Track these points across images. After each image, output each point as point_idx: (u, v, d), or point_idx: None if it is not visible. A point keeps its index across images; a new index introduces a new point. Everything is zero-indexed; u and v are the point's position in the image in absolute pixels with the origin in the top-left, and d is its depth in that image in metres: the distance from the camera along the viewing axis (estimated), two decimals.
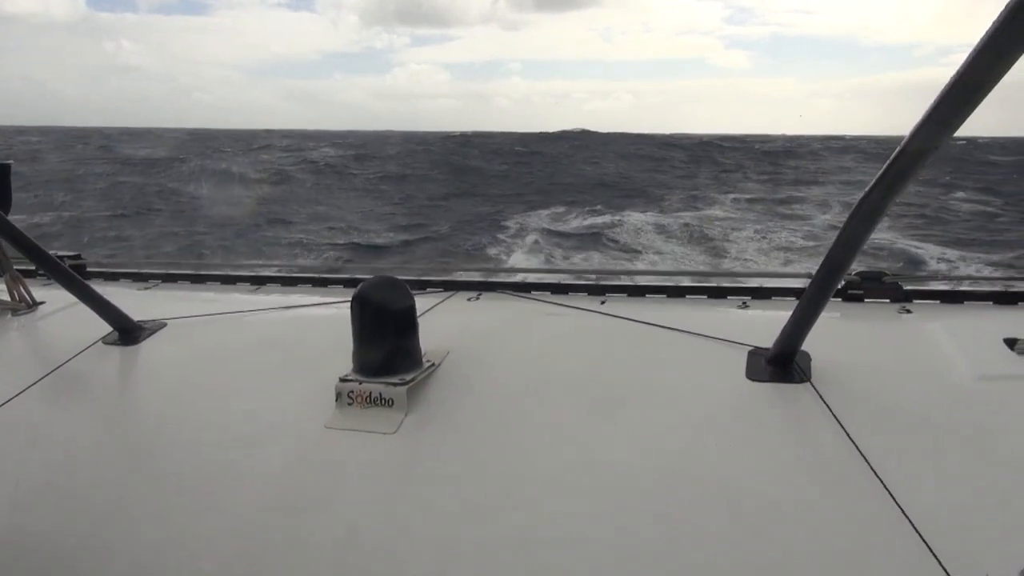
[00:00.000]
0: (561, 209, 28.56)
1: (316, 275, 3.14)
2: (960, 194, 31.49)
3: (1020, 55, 1.02)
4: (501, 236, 23.06)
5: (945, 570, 1.38)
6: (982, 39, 1.02)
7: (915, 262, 17.50)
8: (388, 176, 41.03)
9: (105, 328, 2.43)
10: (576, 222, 26.06)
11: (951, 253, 19.20)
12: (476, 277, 2.92)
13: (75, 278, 2.33)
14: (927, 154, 1.27)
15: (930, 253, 19.03)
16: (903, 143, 1.27)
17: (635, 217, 26.42)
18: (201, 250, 20.98)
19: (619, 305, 2.51)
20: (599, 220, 26.16)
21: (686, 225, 24.15)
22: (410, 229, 24.73)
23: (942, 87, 1.12)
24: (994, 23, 0.98)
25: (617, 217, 26.36)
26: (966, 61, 1.07)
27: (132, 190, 32.98)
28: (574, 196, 32.35)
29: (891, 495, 1.53)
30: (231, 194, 31.97)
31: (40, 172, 37.72)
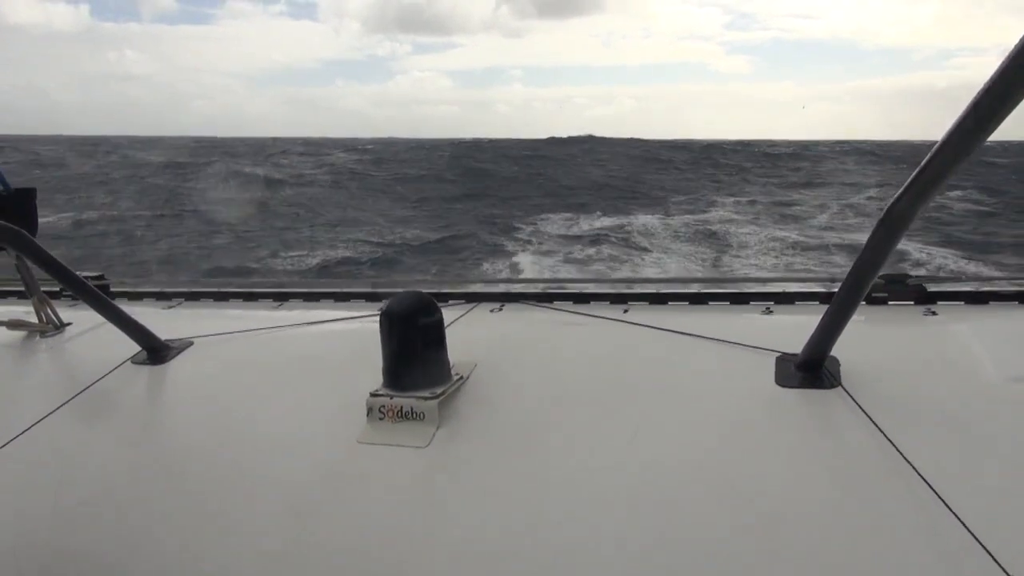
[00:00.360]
0: (569, 214, 29.22)
1: (338, 290, 3.16)
2: (957, 193, 31.41)
3: None
4: (519, 236, 24.11)
5: (1000, 566, 1.36)
6: (1020, 41, 0.99)
7: (912, 262, 17.40)
8: (406, 178, 42.40)
9: (133, 348, 2.45)
10: (587, 224, 26.85)
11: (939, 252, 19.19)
12: (498, 288, 2.92)
13: (102, 298, 2.35)
14: (959, 160, 1.24)
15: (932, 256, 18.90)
16: (935, 148, 1.25)
17: (643, 219, 27.46)
18: (251, 245, 22.07)
19: (642, 313, 2.50)
20: (609, 222, 27.13)
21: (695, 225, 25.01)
22: (438, 229, 25.86)
23: (975, 90, 1.09)
24: None
25: (626, 219, 27.36)
26: (1002, 64, 1.04)
27: (165, 192, 34.02)
28: (584, 199, 33.24)
29: (936, 493, 1.51)
30: (262, 196, 32.97)
31: (72, 176, 38.73)
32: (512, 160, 54.06)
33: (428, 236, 24.60)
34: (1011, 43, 1.00)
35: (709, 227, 25.71)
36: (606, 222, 27.20)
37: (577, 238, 24.17)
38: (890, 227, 1.46)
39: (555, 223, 27.12)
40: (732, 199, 34.23)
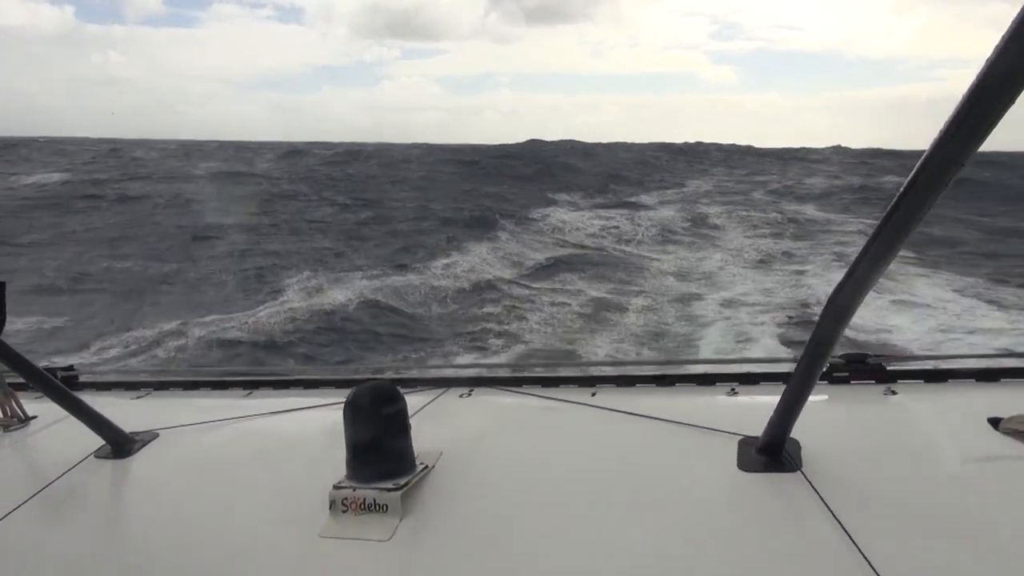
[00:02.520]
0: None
1: (307, 377, 3.16)
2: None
3: None
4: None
5: None
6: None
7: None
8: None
9: (98, 441, 2.43)
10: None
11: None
12: (468, 373, 2.95)
13: (66, 392, 2.34)
14: (894, 247, 1.26)
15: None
16: (870, 237, 1.26)
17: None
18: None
19: (609, 396, 2.53)
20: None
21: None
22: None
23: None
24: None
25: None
26: (920, 162, 1.06)
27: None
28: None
29: None
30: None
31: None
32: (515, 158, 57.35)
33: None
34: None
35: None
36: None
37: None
38: (835, 315, 1.51)
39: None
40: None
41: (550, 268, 20.76)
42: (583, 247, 24.92)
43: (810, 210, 34.24)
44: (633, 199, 38.51)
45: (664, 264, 21.89)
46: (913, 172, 1.11)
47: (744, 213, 32.84)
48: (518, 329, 14.73)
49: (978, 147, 1.02)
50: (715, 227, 29.47)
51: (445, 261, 21.30)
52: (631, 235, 27.43)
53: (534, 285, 18.68)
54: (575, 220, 30.85)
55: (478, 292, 17.82)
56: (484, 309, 16.22)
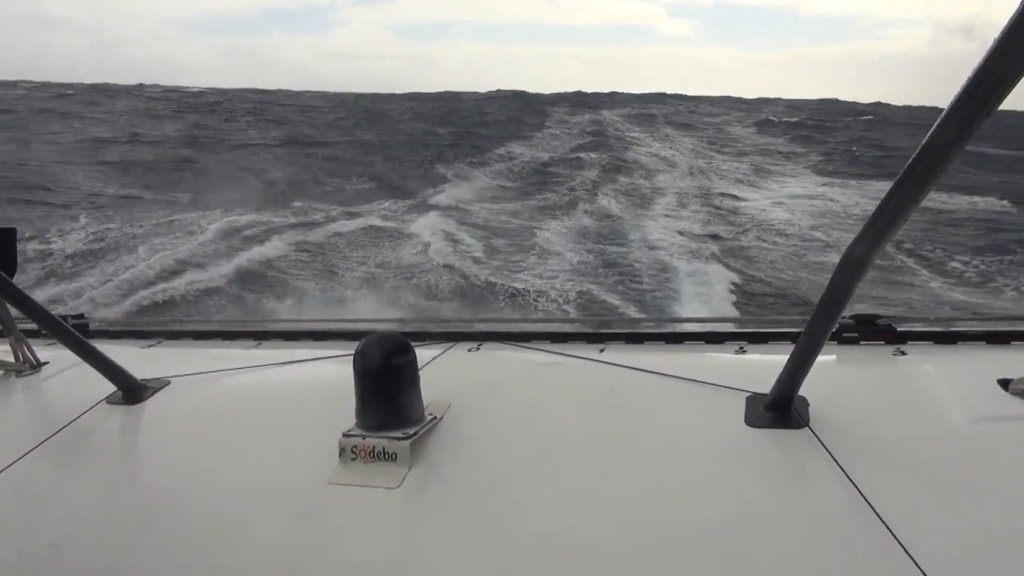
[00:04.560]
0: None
1: (316, 328, 3.17)
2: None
3: None
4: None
5: None
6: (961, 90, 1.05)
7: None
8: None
9: (109, 388, 2.45)
10: None
11: None
12: (478, 327, 2.95)
13: (78, 338, 2.36)
14: (915, 201, 1.28)
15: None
16: (890, 190, 1.28)
17: None
18: None
19: (618, 353, 2.54)
20: None
21: None
22: None
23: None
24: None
25: None
26: (949, 106, 1.08)
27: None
28: None
29: (896, 538, 1.54)
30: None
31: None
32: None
33: None
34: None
35: None
36: None
37: None
38: (849, 270, 1.51)
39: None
40: None
41: None
42: None
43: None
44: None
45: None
46: (932, 129, 1.13)
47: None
48: None
49: (997, 106, 1.04)
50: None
51: None
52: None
53: None
54: None
55: None
56: None
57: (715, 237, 19.40)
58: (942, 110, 1.09)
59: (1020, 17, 0.92)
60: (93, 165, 29.99)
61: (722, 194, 25.78)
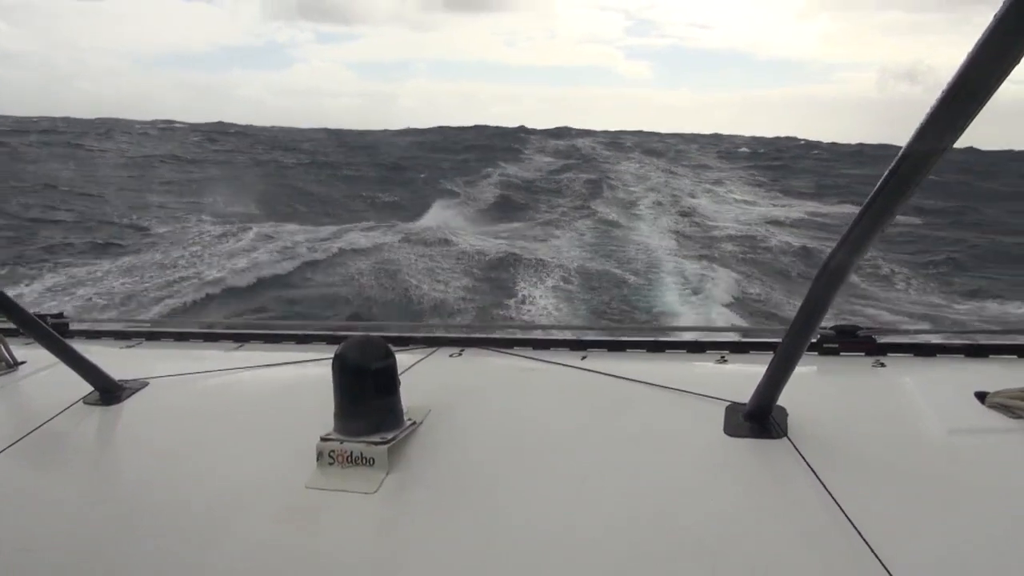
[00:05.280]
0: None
1: (298, 332, 3.15)
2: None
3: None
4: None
5: None
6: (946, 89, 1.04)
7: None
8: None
9: (86, 388, 2.43)
10: None
11: None
12: (459, 333, 2.95)
13: (55, 338, 2.33)
14: (892, 211, 1.28)
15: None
16: (867, 200, 1.29)
17: None
18: None
19: (599, 360, 2.54)
20: None
21: None
22: None
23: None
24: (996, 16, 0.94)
25: None
26: (930, 110, 1.08)
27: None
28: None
29: (871, 549, 1.54)
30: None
31: None
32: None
33: None
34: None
35: None
36: None
37: None
38: (828, 280, 1.51)
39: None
40: None
41: None
42: None
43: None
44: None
45: None
46: (910, 139, 1.14)
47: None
48: None
49: (974, 116, 1.06)
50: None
51: None
52: None
53: None
54: None
55: None
56: None
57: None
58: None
59: (996, 26, 0.93)
60: None
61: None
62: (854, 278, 16.63)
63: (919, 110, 1.08)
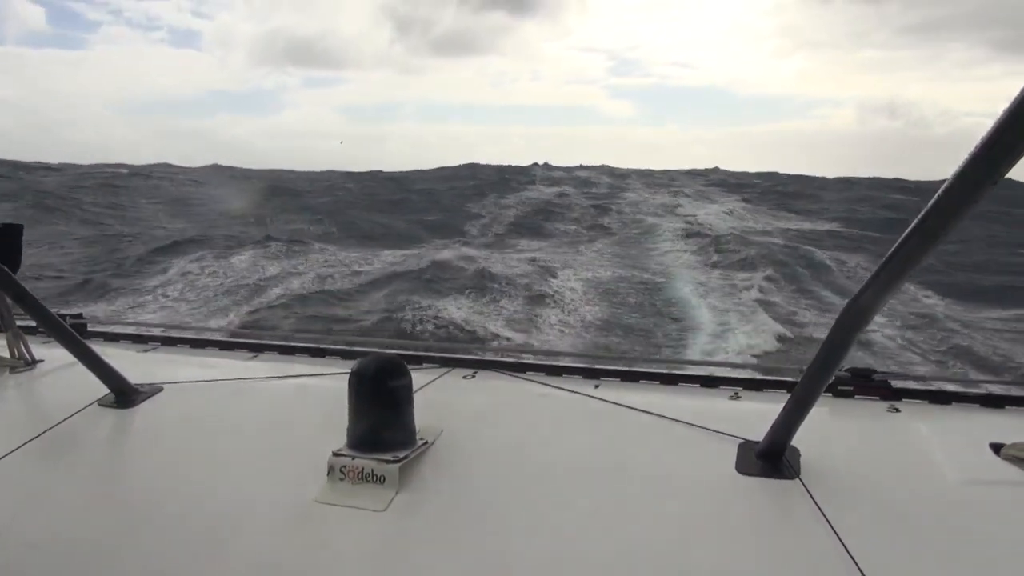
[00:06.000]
0: None
1: (314, 345, 3.17)
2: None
3: None
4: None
5: None
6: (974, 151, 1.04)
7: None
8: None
9: (102, 389, 2.45)
10: None
11: None
12: (473, 355, 2.96)
13: (75, 338, 2.36)
14: (923, 255, 1.27)
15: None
16: (898, 243, 1.28)
17: None
18: None
19: (612, 390, 2.53)
20: None
21: None
22: None
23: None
24: None
25: None
26: (963, 163, 1.07)
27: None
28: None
29: None
30: None
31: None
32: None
33: None
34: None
35: None
36: None
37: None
38: (850, 322, 1.51)
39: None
40: None
41: None
42: None
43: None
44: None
45: None
46: (941, 190, 1.14)
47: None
48: None
49: (1007, 171, 1.05)
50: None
51: None
52: None
53: None
54: None
55: None
56: None
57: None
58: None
59: None
60: None
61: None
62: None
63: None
